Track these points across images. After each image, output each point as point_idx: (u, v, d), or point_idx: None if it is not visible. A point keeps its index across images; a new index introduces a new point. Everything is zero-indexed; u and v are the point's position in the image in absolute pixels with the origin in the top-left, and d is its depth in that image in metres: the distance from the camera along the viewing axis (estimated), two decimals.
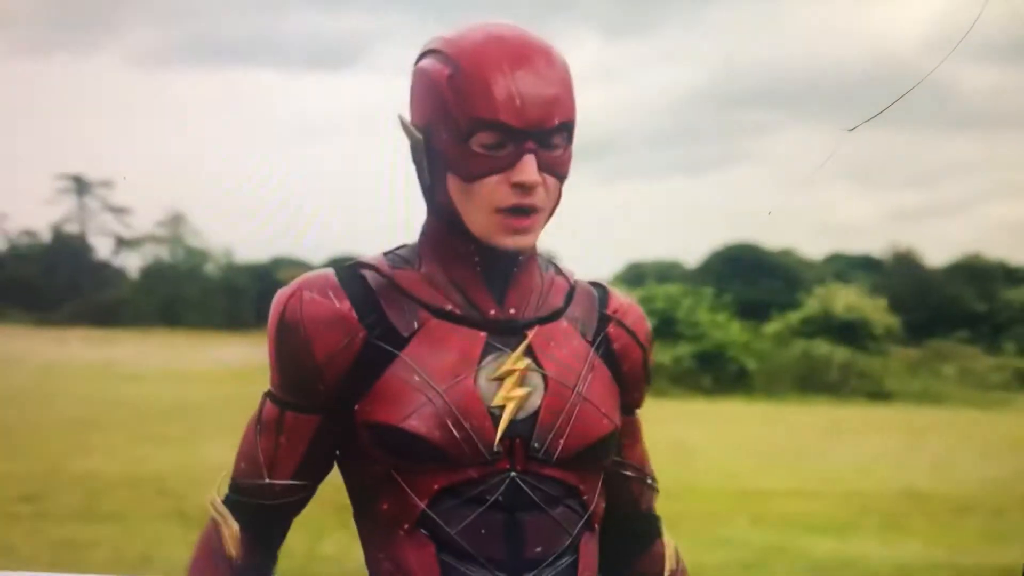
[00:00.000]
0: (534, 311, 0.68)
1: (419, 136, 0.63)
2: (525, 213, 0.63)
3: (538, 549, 0.65)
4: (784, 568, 2.62)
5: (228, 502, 0.69)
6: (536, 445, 0.66)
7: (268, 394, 0.69)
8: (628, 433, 0.74)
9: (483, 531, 0.65)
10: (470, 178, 0.62)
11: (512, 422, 0.65)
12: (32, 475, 3.63)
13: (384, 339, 0.67)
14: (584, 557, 0.67)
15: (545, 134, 0.62)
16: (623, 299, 0.73)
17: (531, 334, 0.66)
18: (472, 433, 0.64)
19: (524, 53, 0.64)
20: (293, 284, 0.70)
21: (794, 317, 10.10)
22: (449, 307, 0.67)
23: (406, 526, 0.65)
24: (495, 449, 0.65)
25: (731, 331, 9.84)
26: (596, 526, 0.69)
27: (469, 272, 0.65)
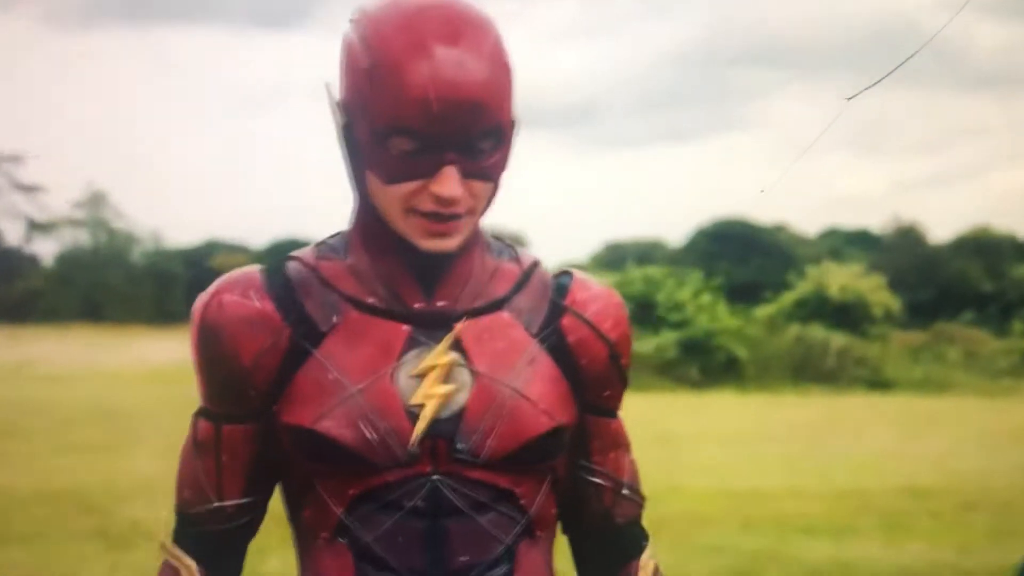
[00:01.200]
0: (469, 302, 0.68)
1: (342, 120, 0.64)
2: (445, 219, 0.63)
3: (464, 558, 0.66)
4: (778, 575, 2.64)
5: (179, 538, 0.69)
6: (460, 446, 0.67)
7: (200, 412, 0.69)
8: (597, 436, 0.74)
9: (401, 539, 0.65)
10: (388, 180, 0.62)
11: (435, 422, 0.66)
12: None
13: (305, 336, 0.68)
14: (522, 566, 0.68)
15: (468, 141, 0.62)
16: (593, 289, 0.73)
17: (459, 327, 0.66)
18: (387, 434, 0.65)
19: (447, 47, 0.63)
20: (212, 287, 0.70)
21: (787, 299, 10.15)
22: (371, 300, 0.67)
23: (325, 534, 0.66)
24: (412, 450, 0.66)
25: (719, 316, 9.86)
26: (539, 533, 0.69)
27: (396, 262, 0.66)
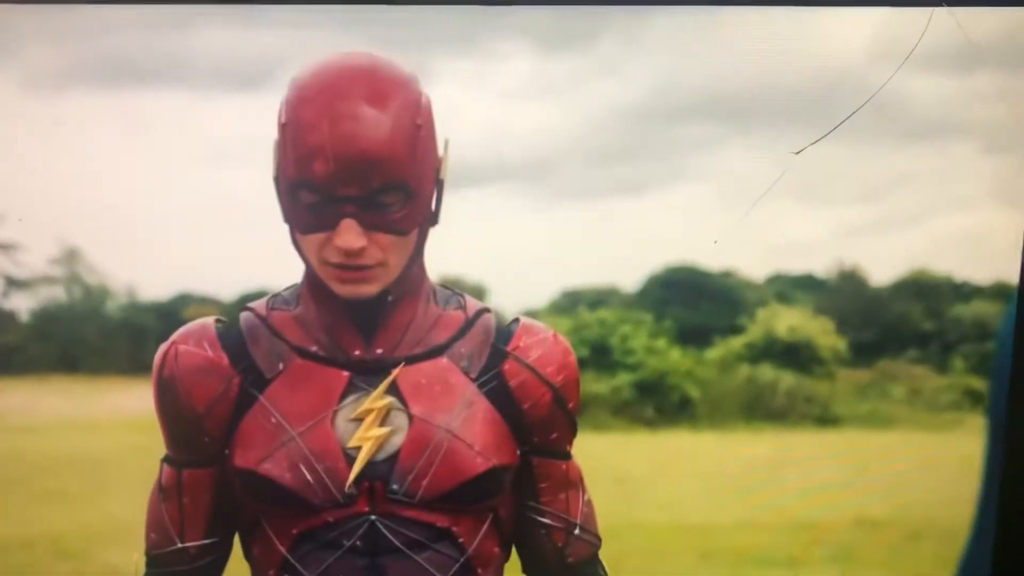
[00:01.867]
0: (408, 349, 0.69)
1: (274, 174, 0.65)
2: (353, 269, 0.64)
3: None
4: None
5: None
6: (394, 486, 0.67)
7: (164, 458, 0.70)
8: (547, 478, 0.75)
9: None
10: (301, 231, 0.64)
11: (372, 463, 0.67)
12: None
13: (253, 383, 0.69)
14: None
15: (368, 196, 0.63)
16: (538, 336, 0.74)
17: (395, 372, 0.67)
18: (324, 475, 0.66)
19: (351, 105, 0.64)
20: (170, 338, 0.71)
21: (736, 342, 10.21)
22: (314, 348, 0.69)
23: (272, 572, 0.67)
24: (348, 491, 0.67)
25: (671, 358, 9.92)
26: (480, 571, 0.69)
27: (336, 312, 0.67)
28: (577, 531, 0.80)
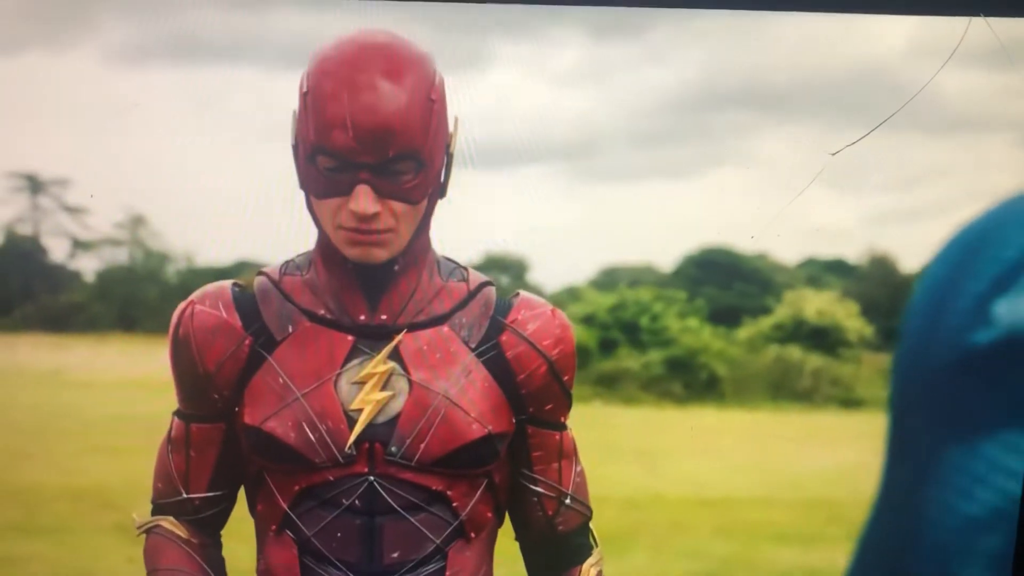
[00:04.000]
0: (411, 317, 0.70)
1: (292, 143, 0.66)
2: (366, 234, 0.65)
3: (395, 555, 0.67)
4: None
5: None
6: (393, 449, 0.68)
7: (175, 412, 0.71)
8: (541, 447, 0.75)
9: (339, 534, 0.67)
10: (317, 195, 0.65)
11: (372, 426, 0.68)
12: None
13: (263, 344, 0.70)
14: (454, 566, 0.69)
15: (382, 164, 0.64)
16: (536, 309, 0.74)
17: (397, 338, 0.68)
18: (326, 435, 0.67)
19: (370, 77, 0.66)
20: (189, 298, 0.73)
21: (766, 322, 10.12)
22: (322, 311, 0.70)
23: (273, 527, 0.68)
24: (348, 451, 0.68)
25: (703, 337, 9.85)
26: (472, 535, 0.70)
27: (344, 278, 0.68)
28: (568, 501, 0.80)
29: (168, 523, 0.75)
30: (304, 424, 0.71)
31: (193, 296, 0.75)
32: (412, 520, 0.73)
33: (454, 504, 0.74)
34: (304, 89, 0.70)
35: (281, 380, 0.72)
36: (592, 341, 4.52)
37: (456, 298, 0.74)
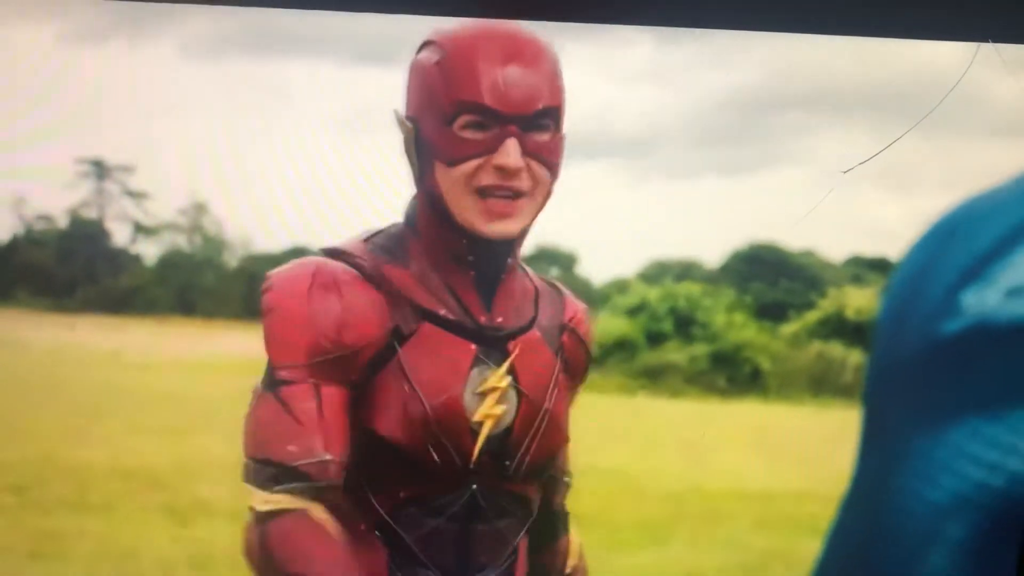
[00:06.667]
0: (515, 319, 0.68)
1: (410, 126, 0.65)
2: (508, 197, 0.64)
3: (483, 559, 0.66)
4: (784, 571, 2.63)
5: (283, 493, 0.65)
6: (507, 463, 0.67)
7: (282, 381, 0.67)
8: None
9: (437, 540, 0.66)
10: (453, 162, 0.63)
11: (487, 438, 0.66)
12: (24, 463, 3.62)
13: (397, 337, 0.68)
14: (519, 561, 0.69)
15: (528, 118, 0.64)
16: (580, 306, 0.73)
17: (515, 353, 0.66)
18: (451, 449, 0.65)
19: (511, 44, 0.66)
20: (306, 262, 0.69)
21: (810, 319, 10.01)
22: (443, 311, 0.67)
23: (363, 527, 0.65)
24: (472, 467, 0.66)
25: (748, 332, 9.76)
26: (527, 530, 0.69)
27: (461, 273, 0.66)
28: (567, 478, 0.78)
29: (316, 509, 0.66)
30: (429, 436, 0.67)
31: (320, 261, 0.67)
32: (498, 525, 0.71)
33: (531, 507, 0.73)
34: (436, 59, 0.67)
35: (406, 387, 0.69)
36: (639, 334, 4.50)
37: (531, 296, 0.72)
